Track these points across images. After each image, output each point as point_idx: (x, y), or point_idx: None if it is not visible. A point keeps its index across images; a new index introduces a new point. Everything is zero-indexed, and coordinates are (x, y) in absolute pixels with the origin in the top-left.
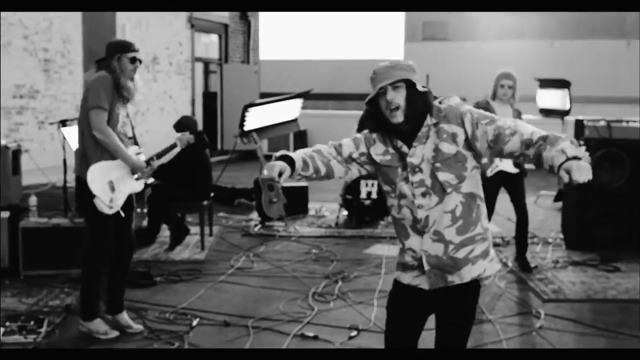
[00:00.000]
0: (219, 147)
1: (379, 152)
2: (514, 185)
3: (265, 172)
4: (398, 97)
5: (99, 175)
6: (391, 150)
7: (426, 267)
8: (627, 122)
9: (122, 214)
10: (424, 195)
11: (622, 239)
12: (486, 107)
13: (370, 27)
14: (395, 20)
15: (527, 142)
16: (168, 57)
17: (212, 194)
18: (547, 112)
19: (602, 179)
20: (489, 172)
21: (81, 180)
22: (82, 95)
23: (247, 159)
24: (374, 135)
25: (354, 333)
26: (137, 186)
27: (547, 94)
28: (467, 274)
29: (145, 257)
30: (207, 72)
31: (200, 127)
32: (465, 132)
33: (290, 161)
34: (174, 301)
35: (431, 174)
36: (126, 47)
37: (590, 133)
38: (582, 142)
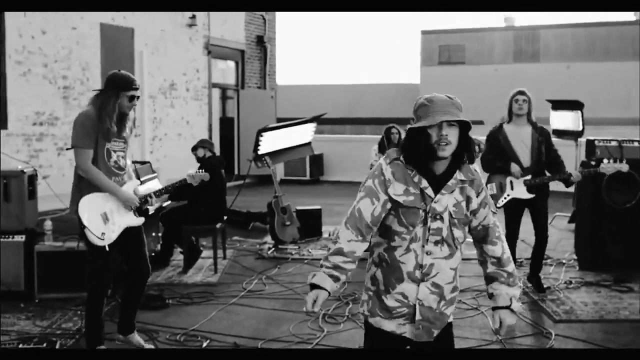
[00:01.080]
0: (235, 172)
1: (399, 192)
2: (535, 206)
3: (305, 308)
4: (452, 135)
5: (90, 207)
6: (413, 190)
7: (418, 316)
8: (639, 142)
9: (107, 249)
10: (436, 243)
11: (635, 259)
12: (498, 132)
13: (386, 51)
14: (411, 44)
15: (501, 259)
16: (185, 83)
17: (225, 217)
18: (560, 134)
19: (614, 199)
20: (500, 203)
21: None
22: None
23: (262, 184)
24: (388, 176)
25: None
26: (137, 220)
27: (560, 115)
28: (444, 324)
29: (158, 280)
30: (224, 98)
31: (217, 151)
32: (478, 203)
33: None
34: (185, 323)
35: (449, 226)
36: (127, 84)
37: (602, 153)
38: (594, 163)
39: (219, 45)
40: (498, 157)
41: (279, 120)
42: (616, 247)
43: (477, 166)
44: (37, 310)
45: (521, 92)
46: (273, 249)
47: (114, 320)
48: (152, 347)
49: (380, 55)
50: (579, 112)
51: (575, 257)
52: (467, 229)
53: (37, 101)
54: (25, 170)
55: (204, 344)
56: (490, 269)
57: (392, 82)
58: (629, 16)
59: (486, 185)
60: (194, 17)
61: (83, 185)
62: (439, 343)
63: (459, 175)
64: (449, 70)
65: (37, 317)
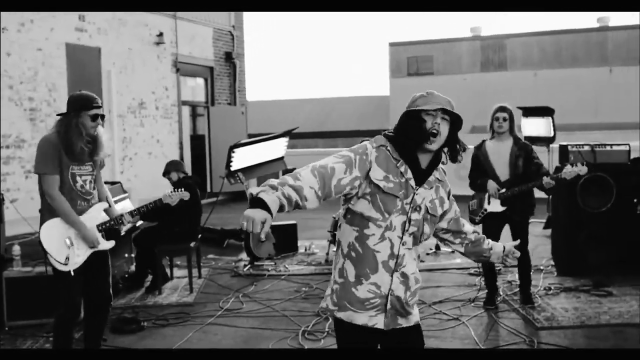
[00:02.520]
0: (208, 189)
1: (379, 177)
2: (514, 221)
3: (244, 224)
4: (444, 127)
5: (52, 232)
6: (392, 178)
7: (389, 305)
8: (611, 146)
9: (72, 274)
10: (410, 234)
11: (613, 263)
12: (480, 150)
13: (356, 64)
14: (379, 56)
15: (467, 232)
16: (155, 101)
17: (200, 236)
18: (532, 140)
19: (589, 203)
20: (477, 219)
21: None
22: None
23: (235, 200)
24: (371, 158)
25: None
26: (106, 244)
27: (531, 122)
28: (413, 318)
29: (133, 303)
30: (194, 115)
31: (189, 169)
32: (448, 204)
33: (265, 205)
34: (162, 345)
35: (422, 219)
36: (87, 103)
37: (575, 158)
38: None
39: (187, 63)
40: (480, 174)
41: (250, 136)
42: (593, 251)
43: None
44: (7, 339)
45: (502, 109)
46: (249, 265)
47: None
48: None
49: (350, 68)
50: (550, 118)
51: (552, 262)
52: (433, 230)
53: (3, 124)
54: None
55: None
56: (473, 236)
57: (363, 95)
58: (593, 22)
59: (469, 204)
60: (161, 34)
61: (45, 211)
62: (409, 344)
63: (436, 173)
64: (418, 81)
65: (7, 345)
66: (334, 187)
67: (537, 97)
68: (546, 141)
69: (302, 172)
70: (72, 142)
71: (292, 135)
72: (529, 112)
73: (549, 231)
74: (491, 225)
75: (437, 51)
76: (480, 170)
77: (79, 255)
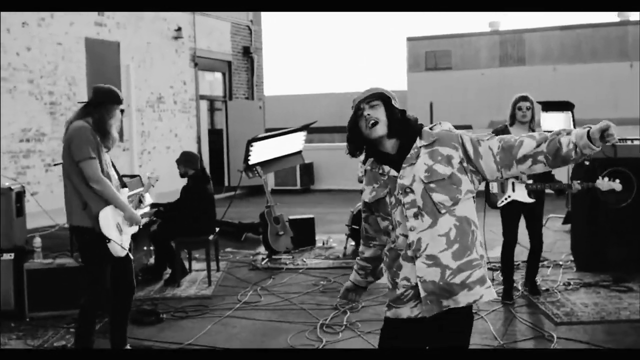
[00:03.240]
0: (226, 183)
1: (367, 194)
2: (532, 211)
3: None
4: (376, 113)
5: (109, 220)
6: (376, 185)
7: (422, 293)
8: (632, 140)
9: (131, 256)
10: (415, 216)
11: (633, 259)
12: (502, 133)
13: (373, 58)
14: (397, 50)
15: (539, 140)
16: (173, 95)
17: (217, 229)
18: None
19: (609, 199)
20: (499, 203)
21: (81, 229)
22: (64, 143)
23: (253, 194)
24: (364, 181)
25: None
26: (135, 228)
27: (551, 117)
28: (464, 299)
29: (152, 295)
30: (212, 110)
31: (207, 163)
32: (462, 155)
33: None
34: (181, 338)
35: (424, 194)
36: (117, 97)
37: (595, 153)
38: (587, 163)
39: (205, 57)
40: None
41: (268, 130)
42: (614, 247)
43: (445, 124)
44: (28, 329)
45: (524, 98)
46: (267, 259)
47: (107, 336)
48: None
49: (367, 63)
50: (570, 112)
51: (572, 258)
52: (461, 190)
53: (23, 118)
54: (12, 188)
55: None
56: (543, 147)
57: None
58: (613, 17)
59: (487, 185)
60: (179, 29)
61: (92, 203)
62: (447, 327)
63: (419, 142)
64: (436, 76)
65: (29, 336)
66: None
67: (556, 92)
68: None
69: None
70: (108, 130)
71: (309, 129)
72: (548, 106)
73: (568, 226)
74: (512, 214)
75: (455, 46)
76: None
77: (127, 240)
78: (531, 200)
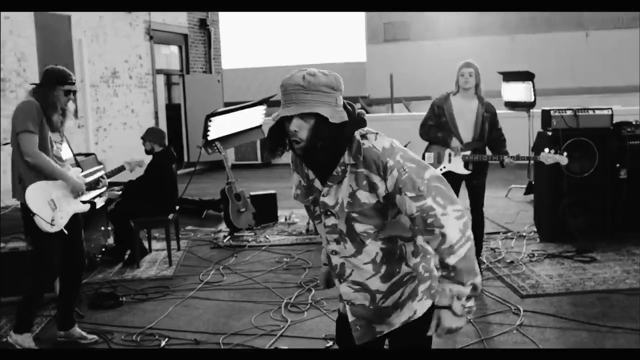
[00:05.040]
0: (185, 159)
1: (294, 188)
2: (473, 184)
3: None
4: (303, 130)
5: (38, 194)
6: (303, 183)
7: (350, 317)
8: (594, 110)
9: (65, 232)
10: (337, 242)
11: (596, 228)
12: (444, 102)
13: (332, 30)
14: (356, 22)
15: (440, 251)
16: (128, 70)
17: (177, 208)
18: (512, 105)
19: (572, 169)
20: None
21: (21, 205)
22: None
23: (213, 170)
24: (292, 165)
25: (329, 343)
26: (83, 206)
27: (511, 87)
28: (397, 320)
29: (111, 277)
30: (169, 84)
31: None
32: (387, 188)
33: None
34: (142, 322)
35: (347, 221)
36: (62, 78)
37: (558, 123)
38: (550, 133)
39: (161, 30)
40: (439, 127)
41: (227, 104)
42: (576, 217)
43: (381, 140)
44: None
45: (467, 65)
46: (229, 237)
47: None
48: (95, 336)
49: (327, 35)
50: (530, 82)
51: (535, 229)
52: (387, 216)
53: None
54: None
55: (162, 343)
56: (441, 268)
57: (339, 62)
58: None
59: (423, 154)
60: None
61: (25, 177)
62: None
63: (347, 158)
64: (395, 48)
65: None
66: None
67: (514, 62)
68: (527, 106)
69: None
70: (48, 114)
71: (270, 102)
72: (509, 76)
73: (530, 197)
74: (450, 181)
75: (413, 17)
76: (440, 123)
77: (62, 217)
78: (467, 172)
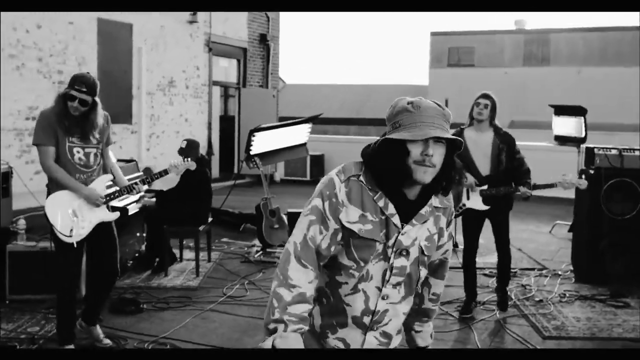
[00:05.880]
0: (235, 171)
1: (353, 219)
2: (496, 219)
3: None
4: (438, 155)
5: (57, 204)
6: (371, 217)
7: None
8: None
9: (75, 245)
10: (395, 286)
11: (636, 273)
12: (457, 136)
13: (395, 52)
14: (420, 46)
15: (437, 295)
16: (185, 80)
17: (211, 219)
18: (562, 140)
19: (613, 210)
20: (454, 213)
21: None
22: None
23: (260, 184)
24: (342, 197)
25: None
26: (110, 215)
27: (563, 121)
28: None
29: (137, 283)
30: (226, 96)
31: (217, 150)
32: (447, 236)
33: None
34: (157, 330)
35: (415, 264)
36: (71, 82)
37: (601, 162)
38: (592, 171)
39: (220, 43)
40: None
41: (282, 119)
42: (615, 260)
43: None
44: (6, 312)
45: (484, 96)
46: (260, 252)
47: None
48: (110, 341)
49: (389, 56)
50: (582, 118)
51: (572, 268)
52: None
53: (30, 96)
54: None
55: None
56: (427, 304)
57: (401, 84)
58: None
59: None
60: (195, 13)
61: (50, 185)
62: None
63: (434, 201)
64: (458, 73)
65: (4, 319)
66: (324, 257)
67: (580, 95)
68: (577, 141)
69: (288, 272)
70: (60, 119)
71: (324, 120)
72: (560, 110)
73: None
74: (470, 223)
75: (479, 43)
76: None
77: (83, 227)
78: (486, 207)
